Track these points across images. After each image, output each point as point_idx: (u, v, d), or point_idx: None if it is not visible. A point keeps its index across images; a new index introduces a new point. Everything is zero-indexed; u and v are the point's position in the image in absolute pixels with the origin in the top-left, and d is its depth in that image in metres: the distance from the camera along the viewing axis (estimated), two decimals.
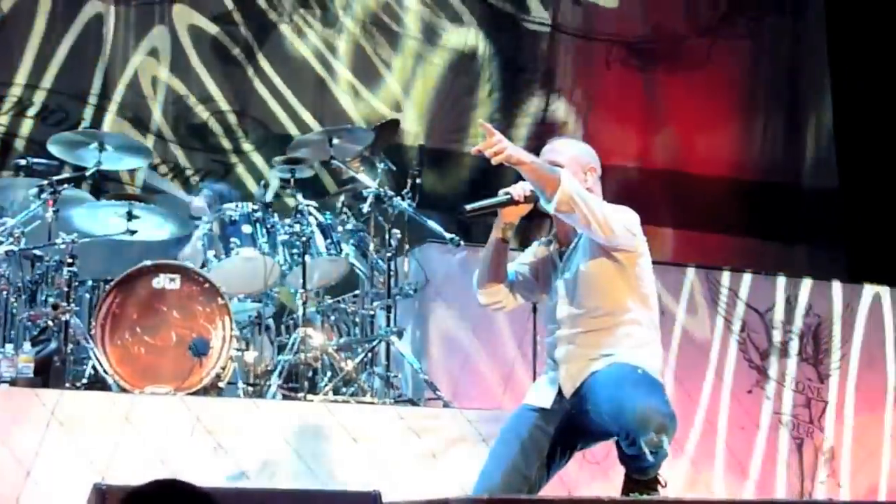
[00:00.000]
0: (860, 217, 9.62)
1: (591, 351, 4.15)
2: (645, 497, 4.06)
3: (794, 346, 7.70)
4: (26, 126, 8.07)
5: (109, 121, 8.24)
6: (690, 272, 7.56)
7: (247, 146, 8.62)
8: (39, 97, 8.15)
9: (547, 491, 4.26)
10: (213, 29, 8.68)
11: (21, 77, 8.14)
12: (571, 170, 4.16)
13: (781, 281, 7.80)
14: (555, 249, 4.34)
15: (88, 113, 8.22)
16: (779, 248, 9.63)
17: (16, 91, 8.11)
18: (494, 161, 4.02)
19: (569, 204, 4.01)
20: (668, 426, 3.92)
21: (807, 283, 7.85)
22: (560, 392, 4.18)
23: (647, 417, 3.90)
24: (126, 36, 8.43)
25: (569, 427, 4.18)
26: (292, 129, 8.64)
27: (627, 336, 4.16)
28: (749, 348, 7.58)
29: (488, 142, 4.02)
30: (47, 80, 8.19)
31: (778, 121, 10.07)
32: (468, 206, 4.21)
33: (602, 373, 4.08)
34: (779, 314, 7.70)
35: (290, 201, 6.53)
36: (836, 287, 7.94)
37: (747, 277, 7.74)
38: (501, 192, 4.22)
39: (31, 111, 8.10)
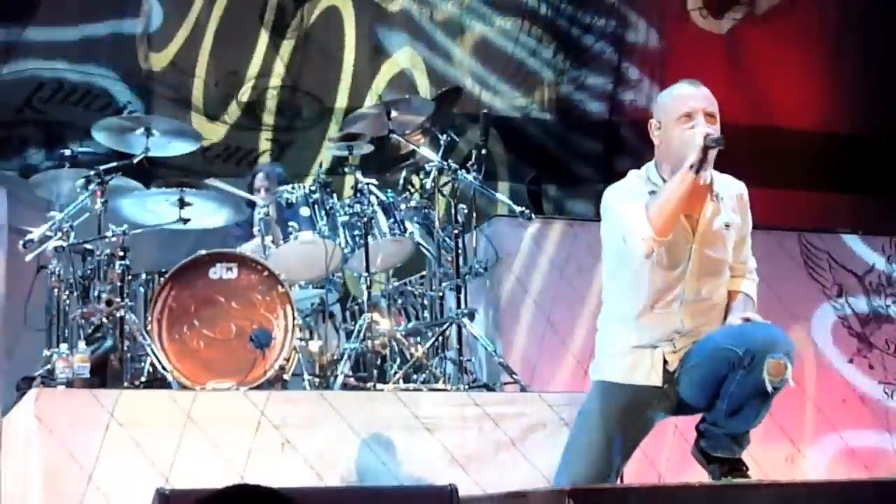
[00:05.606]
0: None
1: (705, 329, 4.25)
2: (738, 480, 4.11)
3: None
4: (69, 112, 8.22)
5: (154, 102, 8.37)
6: (781, 234, 7.52)
7: (300, 123, 8.71)
8: (80, 80, 8.27)
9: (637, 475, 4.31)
10: None
11: (60, 61, 8.28)
12: None
13: (880, 240, 7.75)
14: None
15: (132, 95, 8.36)
16: (875, 205, 9.53)
17: (56, 75, 8.25)
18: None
19: None
20: (793, 355, 4.03)
21: None
22: (665, 368, 4.23)
23: (775, 339, 4.04)
24: (170, 10, 8.56)
25: (670, 402, 4.27)
26: (347, 103, 8.72)
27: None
28: (848, 315, 7.56)
29: None
30: (88, 63, 8.33)
31: (874, 68, 9.94)
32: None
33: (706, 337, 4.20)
34: (879, 276, 7.66)
35: (349, 180, 6.56)
36: None
37: (842, 238, 7.71)
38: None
39: (74, 96, 8.25)
